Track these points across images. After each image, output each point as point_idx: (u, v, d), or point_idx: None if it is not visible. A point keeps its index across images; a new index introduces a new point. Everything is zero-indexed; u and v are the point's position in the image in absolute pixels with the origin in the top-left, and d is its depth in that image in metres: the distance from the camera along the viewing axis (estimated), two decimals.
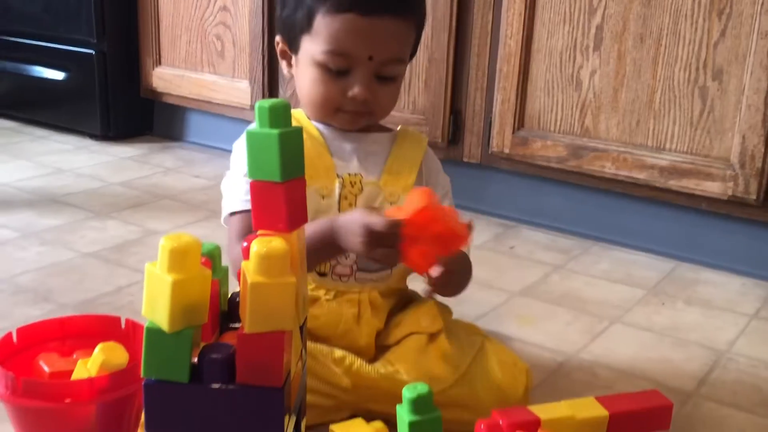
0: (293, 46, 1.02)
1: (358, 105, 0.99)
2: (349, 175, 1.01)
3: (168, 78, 2.20)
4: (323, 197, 1.00)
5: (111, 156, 2.15)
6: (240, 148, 1.06)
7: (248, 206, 0.97)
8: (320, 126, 1.04)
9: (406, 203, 0.88)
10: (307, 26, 0.98)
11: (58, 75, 2.29)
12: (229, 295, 0.76)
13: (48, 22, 2.27)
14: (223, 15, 2.06)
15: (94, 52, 2.21)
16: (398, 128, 1.10)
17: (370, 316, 1.03)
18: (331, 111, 1.01)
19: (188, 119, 2.29)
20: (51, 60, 2.30)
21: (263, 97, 2.00)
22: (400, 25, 0.97)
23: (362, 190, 1.01)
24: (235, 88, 2.06)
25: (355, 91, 0.98)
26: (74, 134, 2.31)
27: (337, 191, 1.00)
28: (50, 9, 2.25)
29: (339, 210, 1.00)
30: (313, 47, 0.98)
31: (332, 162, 1.02)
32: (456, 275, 0.95)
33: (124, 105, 2.29)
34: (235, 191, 1.02)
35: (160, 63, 2.21)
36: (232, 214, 1.01)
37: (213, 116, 2.17)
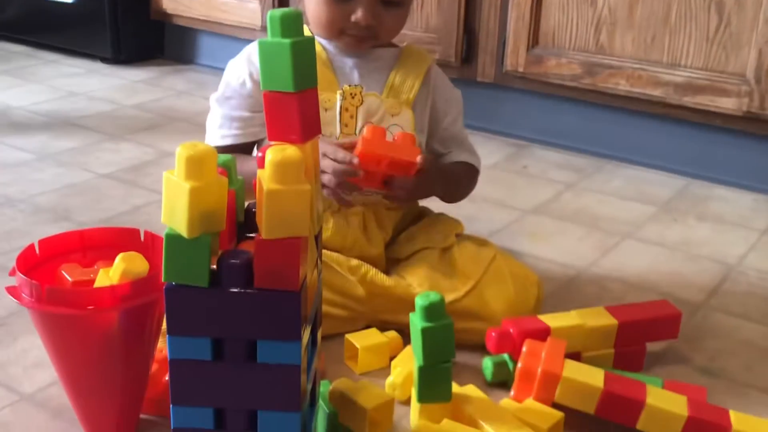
0: None
1: (362, 29, 1.01)
2: (350, 86, 1.03)
3: None
4: (325, 110, 1.01)
5: (123, 79, 2.15)
6: (232, 68, 1.07)
7: (225, 142, 1.05)
8: (324, 42, 1.05)
9: (357, 141, 0.93)
10: None
11: None
12: (246, 206, 0.78)
13: None
14: None
15: None
16: (404, 45, 1.11)
17: (375, 227, 1.06)
18: (335, 33, 1.03)
19: (199, 41, 2.28)
20: None
21: None
22: None
23: (363, 102, 1.03)
24: (245, 9, 2.04)
25: (358, 15, 0.99)
26: (85, 58, 2.30)
27: (338, 103, 1.02)
28: None
29: (340, 122, 1.02)
30: None
31: (334, 76, 1.04)
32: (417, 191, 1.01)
33: (135, 28, 2.27)
34: (213, 125, 1.08)
35: None
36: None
37: (223, 38, 2.16)
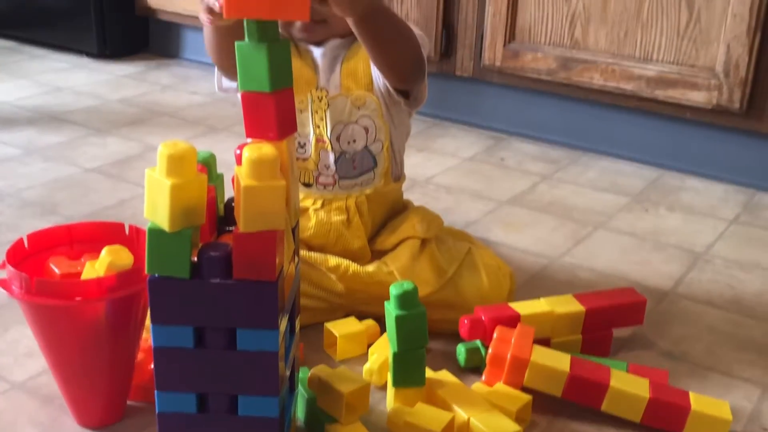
0: None
1: None
2: (316, 90, 1.05)
3: None
4: (300, 111, 1.05)
5: (108, 74, 2.17)
6: None
7: None
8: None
9: None
10: None
11: None
12: (226, 201, 0.81)
13: None
14: None
15: None
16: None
17: (358, 220, 1.09)
18: (285, 24, 1.02)
19: (183, 36, 2.30)
20: None
21: None
22: None
23: (329, 106, 1.05)
24: None
25: None
26: (71, 53, 2.32)
27: (309, 106, 1.05)
28: None
29: (312, 123, 1.05)
30: None
31: (307, 78, 1.05)
32: None
33: (120, 23, 2.29)
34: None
35: None
36: None
37: None
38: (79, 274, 0.87)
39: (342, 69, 1.05)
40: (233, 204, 0.80)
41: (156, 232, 0.68)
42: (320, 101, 1.05)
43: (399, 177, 1.14)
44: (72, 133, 1.74)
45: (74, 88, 2.04)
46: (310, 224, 1.08)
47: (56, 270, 0.88)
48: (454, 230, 1.23)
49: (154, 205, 0.68)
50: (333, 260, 1.06)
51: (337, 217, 1.08)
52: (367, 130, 1.06)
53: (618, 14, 1.56)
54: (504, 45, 1.69)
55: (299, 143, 1.07)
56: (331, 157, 1.06)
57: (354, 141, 1.06)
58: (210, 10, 0.88)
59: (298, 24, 1.03)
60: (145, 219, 0.69)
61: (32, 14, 2.36)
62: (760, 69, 1.46)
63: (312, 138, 1.06)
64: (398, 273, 1.05)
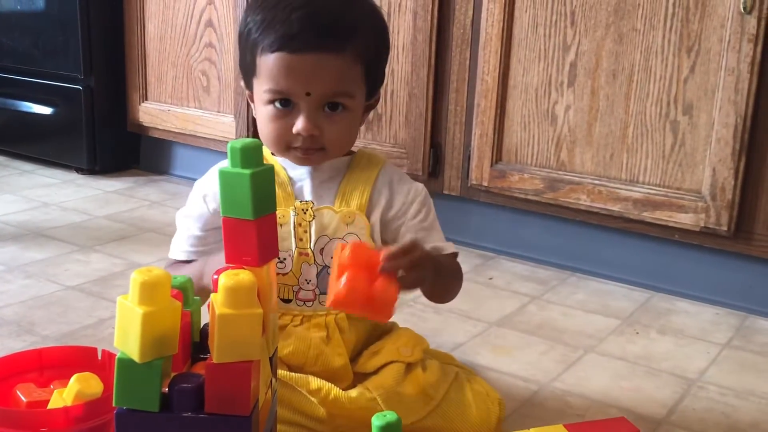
0: (249, 89, 1.06)
1: (306, 141, 1.00)
2: (301, 202, 1.04)
3: (154, 113, 2.23)
4: (280, 225, 1.03)
5: (97, 190, 2.17)
6: (199, 188, 1.10)
7: (180, 257, 1.07)
8: (280, 159, 1.07)
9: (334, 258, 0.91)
10: (253, 69, 1.01)
11: (46, 110, 2.33)
12: (202, 326, 0.79)
13: (36, 58, 2.31)
14: (208, 51, 2.10)
15: (81, 88, 2.24)
16: (357, 151, 1.11)
17: (339, 338, 1.06)
18: (282, 148, 1.03)
19: (174, 153, 2.32)
20: (39, 95, 2.33)
21: (247, 130, 2.04)
22: (334, 60, 0.97)
23: (314, 217, 1.04)
24: (220, 123, 2.10)
25: (299, 126, 0.98)
26: (61, 168, 2.33)
27: (291, 219, 1.03)
28: (39, 45, 2.29)
29: (294, 236, 1.04)
30: (259, 88, 1.01)
31: (290, 192, 1.05)
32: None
33: (111, 139, 2.32)
34: (174, 239, 1.10)
35: (146, 98, 2.25)
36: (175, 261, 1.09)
37: (198, 149, 2.20)
38: (47, 402, 0.83)
39: (340, 187, 1.06)
40: (209, 331, 0.77)
41: (125, 363, 0.65)
42: (305, 213, 1.04)
43: None
44: (56, 249, 1.72)
45: (61, 203, 2.04)
46: (288, 341, 1.05)
47: (23, 398, 0.84)
48: (440, 353, 1.20)
49: (124, 334, 0.66)
50: (315, 382, 1.02)
51: (316, 334, 1.05)
52: None
53: (603, 137, 1.58)
54: (491, 165, 1.70)
55: (278, 258, 1.05)
56: (313, 271, 1.04)
57: None
58: None
59: (297, 151, 1.03)
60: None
61: (23, 130, 2.39)
62: (747, 192, 1.47)
63: (294, 251, 1.04)
64: (381, 400, 1.01)
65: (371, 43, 1.01)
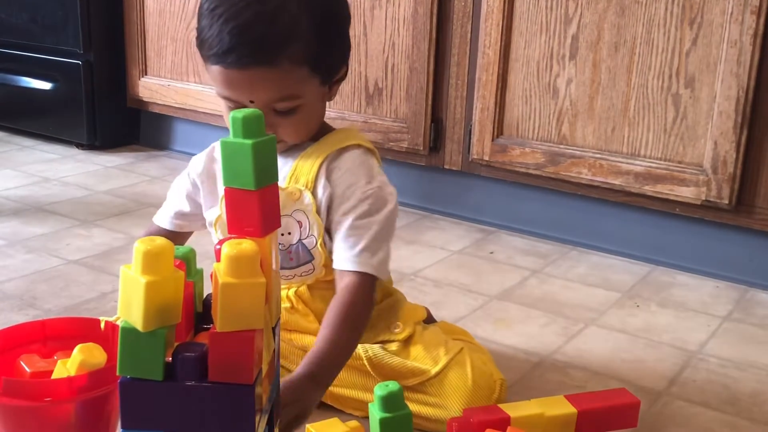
0: None
1: None
2: None
3: (154, 88, 2.22)
4: None
5: (97, 165, 2.17)
6: (191, 164, 1.11)
7: (168, 227, 1.11)
8: None
9: None
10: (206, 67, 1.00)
11: (45, 85, 2.32)
12: (204, 297, 0.79)
13: (35, 33, 2.29)
14: None
15: (81, 63, 2.23)
16: (335, 130, 1.08)
17: (304, 307, 1.07)
18: None
19: (174, 128, 2.32)
20: (38, 70, 2.32)
21: None
22: (270, 73, 0.94)
23: None
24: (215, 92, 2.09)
25: None
26: (61, 143, 2.33)
27: None
28: (37, 20, 2.28)
29: None
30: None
31: None
32: None
33: (111, 114, 2.31)
34: (166, 206, 1.13)
35: (146, 73, 2.24)
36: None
37: (198, 125, 2.20)
38: (51, 372, 0.83)
39: (294, 164, 1.03)
40: (212, 301, 0.77)
41: (129, 332, 0.65)
42: None
43: None
44: (57, 224, 1.72)
45: (62, 179, 2.04)
46: None
47: (27, 368, 0.84)
48: (456, 328, 1.19)
49: (128, 304, 0.66)
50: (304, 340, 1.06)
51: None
52: (300, 224, 1.03)
53: (605, 111, 1.58)
54: (492, 140, 1.70)
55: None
56: None
57: (289, 233, 1.03)
58: None
59: None
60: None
61: (24, 105, 2.38)
62: (748, 165, 1.47)
63: None
64: (370, 366, 1.04)
65: (312, 41, 0.96)
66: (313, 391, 0.91)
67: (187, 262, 0.77)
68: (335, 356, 0.95)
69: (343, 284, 0.99)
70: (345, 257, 1.00)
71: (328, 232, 1.03)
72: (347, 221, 1.00)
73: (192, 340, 0.73)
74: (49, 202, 1.85)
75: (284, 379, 0.90)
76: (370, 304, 1.01)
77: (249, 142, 0.72)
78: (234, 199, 0.73)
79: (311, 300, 1.07)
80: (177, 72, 2.18)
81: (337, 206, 1.02)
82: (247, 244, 0.68)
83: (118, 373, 0.67)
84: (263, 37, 0.93)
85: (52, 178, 2.03)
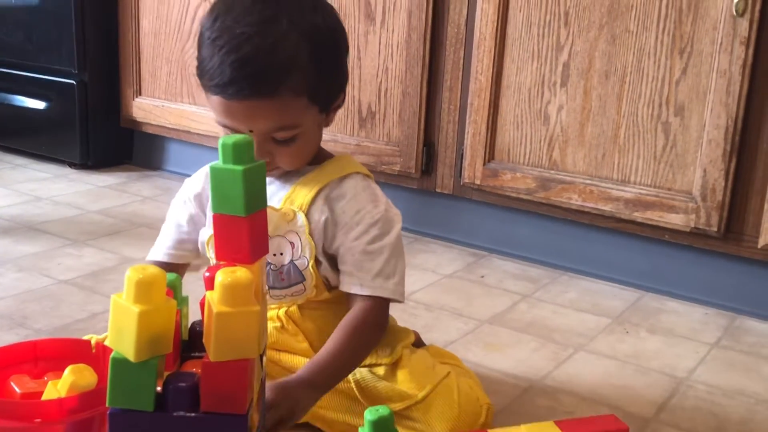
0: None
1: None
2: None
3: (148, 108, 2.23)
4: None
5: (89, 184, 2.17)
6: (187, 186, 1.12)
7: (167, 259, 1.11)
8: None
9: None
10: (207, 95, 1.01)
11: (39, 104, 2.32)
12: (190, 325, 0.79)
13: (30, 53, 2.30)
14: None
15: (75, 83, 2.24)
16: (335, 157, 1.09)
17: (294, 327, 1.07)
18: None
19: (167, 149, 2.32)
20: (32, 89, 2.33)
21: None
22: (269, 104, 0.96)
23: None
24: (213, 119, 2.09)
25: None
26: (54, 163, 2.33)
27: None
28: (32, 39, 2.29)
29: None
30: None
31: None
32: None
33: (104, 134, 2.31)
34: (162, 238, 1.13)
35: (140, 93, 2.24)
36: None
37: (192, 146, 2.20)
38: (41, 393, 0.83)
39: (292, 188, 1.04)
40: (198, 328, 0.77)
41: (120, 362, 0.66)
42: None
43: (337, 285, 1.08)
44: (48, 243, 1.72)
45: (54, 198, 2.04)
46: None
47: (17, 389, 0.84)
48: (446, 353, 1.20)
49: (119, 333, 0.66)
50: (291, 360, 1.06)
51: (270, 324, 1.07)
52: (293, 245, 1.03)
53: (595, 137, 1.59)
54: (483, 164, 1.71)
55: None
56: None
57: (281, 254, 1.04)
58: None
59: None
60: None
61: (16, 124, 2.38)
62: (737, 193, 1.48)
63: None
64: (357, 390, 1.04)
65: (311, 72, 0.97)
66: (304, 395, 0.92)
67: (174, 289, 0.77)
68: (334, 367, 0.97)
69: (357, 306, 1.02)
70: (359, 282, 1.02)
71: (326, 255, 1.04)
72: (359, 246, 1.02)
73: (179, 370, 0.73)
74: (40, 221, 1.85)
75: (278, 380, 0.91)
76: (383, 326, 1.04)
77: (240, 168, 0.72)
78: (223, 225, 0.74)
79: (301, 320, 1.07)
80: (171, 93, 2.18)
81: (346, 232, 1.03)
82: (241, 272, 0.68)
83: (108, 405, 0.67)
84: (264, 70, 0.94)
85: (43, 197, 2.03)
